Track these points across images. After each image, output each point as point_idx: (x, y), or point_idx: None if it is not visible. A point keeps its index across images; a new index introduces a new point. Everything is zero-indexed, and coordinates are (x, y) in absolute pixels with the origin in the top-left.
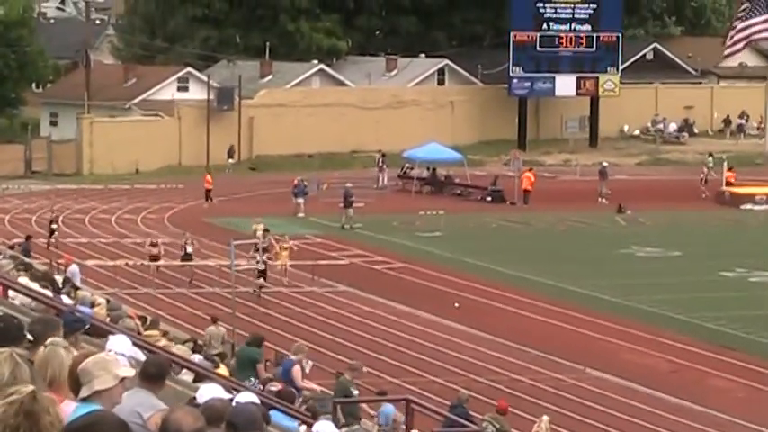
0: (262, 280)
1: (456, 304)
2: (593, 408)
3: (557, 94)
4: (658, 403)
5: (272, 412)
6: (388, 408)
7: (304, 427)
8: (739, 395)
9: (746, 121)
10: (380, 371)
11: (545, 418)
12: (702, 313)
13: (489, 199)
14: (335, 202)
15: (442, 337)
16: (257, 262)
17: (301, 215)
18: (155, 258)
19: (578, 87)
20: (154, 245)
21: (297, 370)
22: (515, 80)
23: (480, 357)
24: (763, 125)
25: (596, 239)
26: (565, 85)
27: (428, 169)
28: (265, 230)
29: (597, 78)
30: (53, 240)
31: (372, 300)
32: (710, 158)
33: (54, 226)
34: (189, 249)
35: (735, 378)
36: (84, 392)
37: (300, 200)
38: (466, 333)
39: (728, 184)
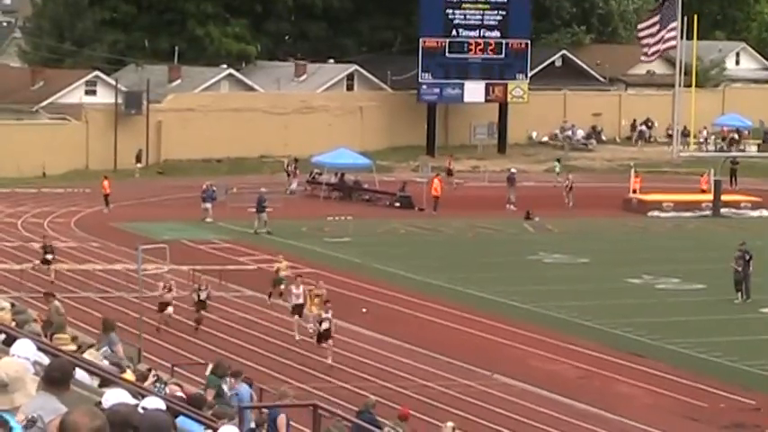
0: (296, 317)
1: (364, 310)
2: (500, 414)
3: (465, 100)
4: (566, 409)
5: (179, 419)
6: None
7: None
8: (646, 401)
9: (650, 127)
10: (288, 376)
11: (449, 424)
12: (610, 320)
13: (398, 205)
14: (243, 208)
15: (351, 343)
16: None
17: (209, 220)
18: (165, 305)
19: (487, 94)
20: (168, 289)
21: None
22: (424, 86)
23: (389, 363)
24: (671, 132)
25: (505, 246)
26: (474, 91)
27: (336, 175)
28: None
29: (506, 85)
30: None
31: (280, 305)
32: (557, 164)
33: None
34: (203, 296)
35: (642, 384)
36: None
37: (208, 205)
38: (374, 339)
39: (635, 191)
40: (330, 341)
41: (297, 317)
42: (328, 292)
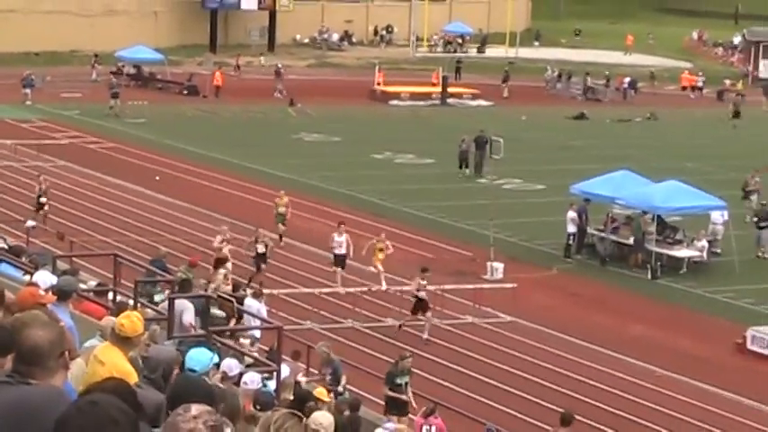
0: (338, 269)
1: (157, 177)
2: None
3: (242, 7)
4: (317, 257)
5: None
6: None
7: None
8: (393, 255)
9: (390, 32)
10: (93, 231)
11: (222, 270)
12: (357, 187)
13: (186, 92)
14: (56, 93)
15: (145, 204)
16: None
17: (29, 103)
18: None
19: (260, 3)
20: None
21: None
22: None
23: (178, 221)
24: (415, 36)
25: (273, 127)
26: (249, 0)
27: (136, 68)
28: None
29: None
30: None
31: (88, 173)
32: (262, 58)
33: None
34: (260, 249)
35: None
36: None
37: (28, 90)
38: (165, 201)
39: (379, 84)
40: (429, 313)
41: (339, 269)
42: (126, 162)
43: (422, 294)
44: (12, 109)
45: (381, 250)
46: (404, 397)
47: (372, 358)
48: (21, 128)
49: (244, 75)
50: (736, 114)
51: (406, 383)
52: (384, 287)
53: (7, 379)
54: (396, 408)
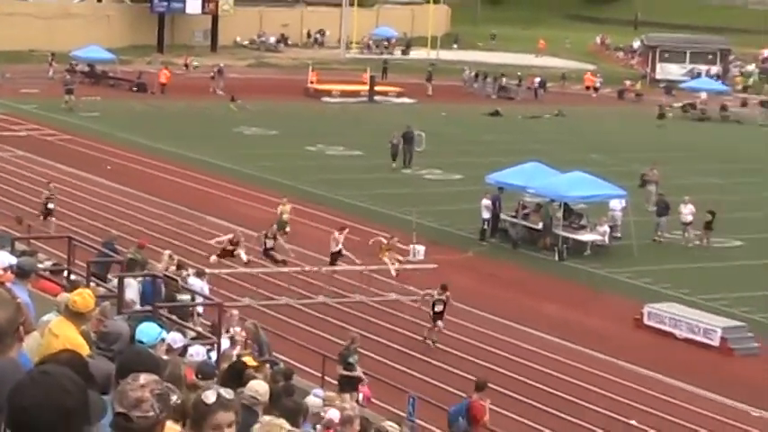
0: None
1: (108, 167)
2: (203, 242)
3: (187, 11)
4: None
5: None
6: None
7: None
8: (314, 235)
9: (323, 36)
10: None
11: (166, 252)
12: (294, 176)
13: (135, 89)
14: (16, 89)
15: (98, 192)
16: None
17: None
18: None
19: (203, 8)
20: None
21: None
22: (156, 1)
23: (126, 207)
24: (346, 39)
25: (215, 122)
26: (193, 5)
27: (89, 66)
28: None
29: (217, 2)
30: None
31: (45, 162)
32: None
33: None
34: (269, 244)
35: (322, 227)
36: None
37: None
38: (116, 188)
39: (312, 82)
40: (440, 323)
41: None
42: (81, 152)
43: (438, 308)
44: None
45: (389, 250)
46: (355, 373)
47: (305, 332)
48: None
49: (191, 73)
50: (661, 116)
51: (356, 362)
52: (394, 274)
53: None
54: (349, 384)
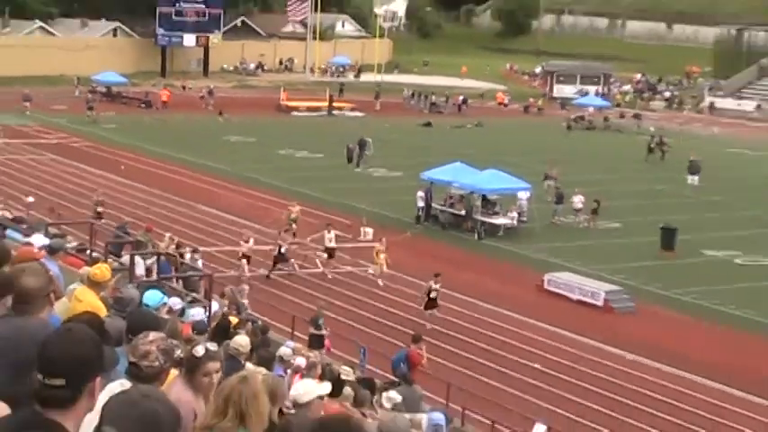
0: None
1: (122, 167)
2: (197, 227)
3: (185, 44)
4: (229, 222)
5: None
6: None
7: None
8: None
9: (292, 63)
10: (75, 206)
11: (167, 235)
12: (267, 174)
13: (143, 106)
14: (48, 105)
15: (114, 187)
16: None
17: (28, 113)
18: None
19: (197, 42)
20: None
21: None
22: (160, 36)
23: (138, 199)
24: (310, 65)
25: (206, 132)
26: (189, 39)
27: (107, 88)
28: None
29: (208, 37)
30: None
31: (72, 164)
32: (189, 83)
33: None
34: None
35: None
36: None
37: (27, 103)
38: (129, 185)
39: (283, 100)
40: (435, 310)
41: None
42: (101, 156)
43: (433, 295)
44: (15, 117)
45: (383, 253)
46: (322, 332)
47: (277, 297)
48: (22, 131)
49: (187, 93)
50: (569, 128)
51: (323, 324)
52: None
53: (9, 312)
54: (317, 342)
